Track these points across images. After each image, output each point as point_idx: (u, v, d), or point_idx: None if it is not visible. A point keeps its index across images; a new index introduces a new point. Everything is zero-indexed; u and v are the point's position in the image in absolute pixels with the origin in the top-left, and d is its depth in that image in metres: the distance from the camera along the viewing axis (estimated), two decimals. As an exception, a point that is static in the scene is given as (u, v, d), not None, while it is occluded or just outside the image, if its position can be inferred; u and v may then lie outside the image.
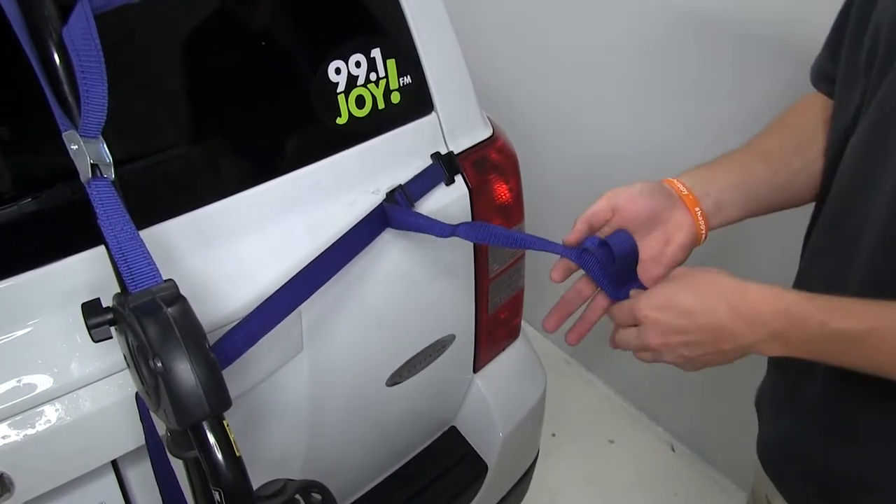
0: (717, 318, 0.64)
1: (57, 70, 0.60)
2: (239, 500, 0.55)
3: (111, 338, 0.62)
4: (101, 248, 0.74)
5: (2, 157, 0.72)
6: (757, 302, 0.63)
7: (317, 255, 0.86)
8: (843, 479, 0.73)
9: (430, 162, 1.00)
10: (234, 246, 0.84)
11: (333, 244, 0.85)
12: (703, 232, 0.79)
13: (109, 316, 0.61)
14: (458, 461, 1.15)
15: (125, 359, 0.64)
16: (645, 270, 0.78)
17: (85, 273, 0.74)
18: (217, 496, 0.55)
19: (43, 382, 0.71)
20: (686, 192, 0.79)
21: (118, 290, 0.63)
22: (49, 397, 0.72)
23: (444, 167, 0.98)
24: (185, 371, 0.54)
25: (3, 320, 0.71)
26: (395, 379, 1.03)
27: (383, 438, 1.09)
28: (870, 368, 0.61)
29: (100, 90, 0.59)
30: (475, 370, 1.18)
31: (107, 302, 0.63)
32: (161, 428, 0.70)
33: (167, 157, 0.81)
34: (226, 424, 0.56)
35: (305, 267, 0.81)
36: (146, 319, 0.56)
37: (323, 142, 0.91)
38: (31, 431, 0.71)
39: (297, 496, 0.61)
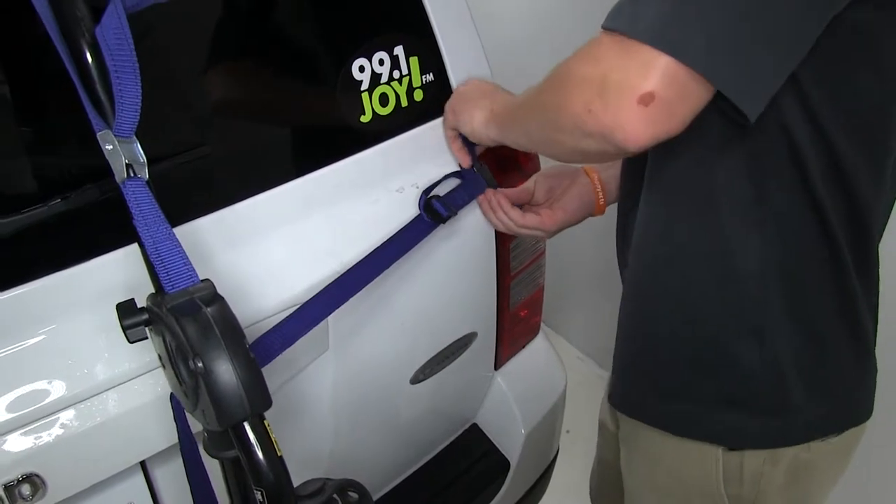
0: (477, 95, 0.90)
1: (90, 70, 0.60)
2: (281, 500, 0.55)
3: (146, 338, 0.62)
4: (129, 249, 0.75)
5: (29, 157, 0.72)
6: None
7: (341, 253, 0.86)
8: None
9: (452, 161, 0.99)
10: (259, 245, 0.84)
11: (371, 253, 0.85)
12: (601, 194, 0.97)
13: (145, 316, 0.61)
14: (480, 458, 1.15)
15: (160, 359, 0.64)
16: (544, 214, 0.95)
17: (113, 273, 0.74)
18: (259, 496, 0.54)
19: (73, 384, 0.71)
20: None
21: (152, 291, 0.63)
22: (79, 398, 0.72)
23: (486, 178, 0.98)
24: (226, 371, 0.53)
25: (31, 321, 0.71)
26: (419, 377, 1.03)
27: (406, 436, 1.09)
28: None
29: (134, 89, 0.59)
30: (496, 367, 1.18)
31: (140, 302, 0.63)
32: (195, 428, 0.70)
33: (192, 157, 0.80)
34: (266, 424, 0.56)
35: (343, 274, 0.81)
36: (185, 320, 0.55)
37: (347, 140, 0.91)
38: (62, 433, 0.71)
39: (335, 496, 0.60)
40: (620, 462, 0.98)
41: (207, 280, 0.60)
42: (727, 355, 0.77)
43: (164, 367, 0.63)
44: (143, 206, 0.60)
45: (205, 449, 0.63)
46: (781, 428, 0.80)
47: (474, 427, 1.19)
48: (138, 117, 0.60)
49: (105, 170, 0.64)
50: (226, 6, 0.82)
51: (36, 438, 0.70)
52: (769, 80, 0.59)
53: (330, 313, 0.79)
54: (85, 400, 0.72)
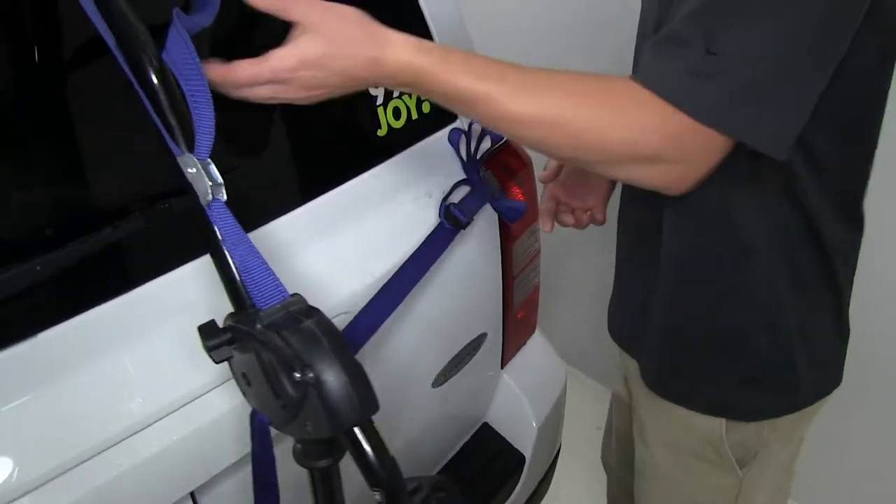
0: (354, 66, 0.65)
1: (161, 96, 0.61)
2: (399, 498, 0.57)
3: (232, 357, 0.62)
4: (167, 277, 0.75)
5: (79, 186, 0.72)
6: (394, 56, 0.66)
7: (371, 266, 0.89)
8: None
9: (459, 169, 1.03)
10: (290, 263, 0.85)
11: (405, 263, 0.89)
12: None
13: (228, 335, 0.61)
14: (496, 455, 1.19)
15: (243, 378, 0.64)
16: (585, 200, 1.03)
17: (159, 300, 0.75)
18: (378, 496, 0.56)
19: (123, 418, 0.70)
20: None
21: (232, 311, 0.63)
22: (130, 432, 0.71)
23: (492, 185, 1.01)
24: (338, 378, 0.55)
25: (80, 356, 0.70)
26: (440, 380, 1.06)
27: (429, 438, 1.11)
28: (487, 123, 0.70)
29: (208, 111, 0.60)
30: (502, 366, 1.22)
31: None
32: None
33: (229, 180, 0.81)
34: (376, 426, 0.58)
35: (385, 286, 0.85)
36: (287, 332, 0.57)
37: (367, 154, 0.93)
38: (115, 468, 0.70)
39: (431, 493, 0.63)
40: (633, 427, 1.05)
41: (297, 294, 0.61)
42: (743, 341, 0.85)
43: (247, 385, 0.64)
44: (227, 226, 0.61)
45: (295, 460, 0.64)
46: (786, 400, 0.89)
47: (486, 426, 1.23)
48: (213, 138, 0.61)
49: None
50: (247, 29, 0.83)
51: (93, 475, 0.69)
52: (801, 126, 0.67)
53: (380, 325, 0.81)
54: (136, 433, 0.72)
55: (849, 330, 0.92)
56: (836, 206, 0.80)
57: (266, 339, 0.58)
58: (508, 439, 1.21)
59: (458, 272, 1.04)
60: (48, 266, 0.67)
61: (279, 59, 0.63)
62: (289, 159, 0.88)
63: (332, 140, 0.91)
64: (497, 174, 1.07)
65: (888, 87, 0.76)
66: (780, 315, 0.83)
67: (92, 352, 0.71)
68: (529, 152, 1.14)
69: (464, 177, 1.02)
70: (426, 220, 0.97)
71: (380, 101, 0.93)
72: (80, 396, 0.70)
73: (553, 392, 1.25)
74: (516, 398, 1.20)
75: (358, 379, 0.56)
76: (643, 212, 0.90)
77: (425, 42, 0.68)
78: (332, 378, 0.55)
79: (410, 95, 0.97)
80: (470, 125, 1.02)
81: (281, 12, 0.63)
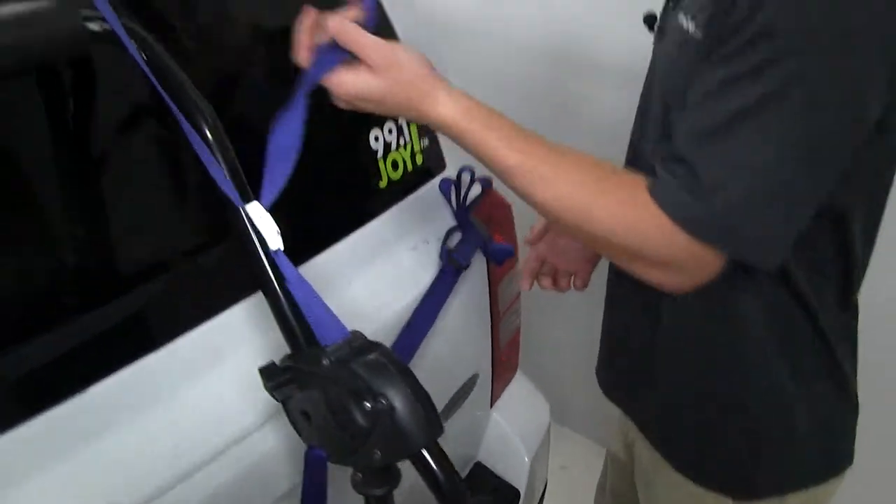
0: (402, 111, 0.76)
1: (221, 154, 0.65)
2: (468, 513, 0.61)
3: (293, 396, 0.65)
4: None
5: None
6: (441, 115, 0.73)
7: (382, 316, 0.93)
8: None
9: (450, 216, 1.09)
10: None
11: (418, 308, 0.95)
12: None
13: (289, 375, 0.65)
14: (491, 492, 1.22)
15: (297, 416, 0.67)
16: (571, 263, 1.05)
17: (177, 362, 0.77)
18: (449, 514, 0.60)
19: (163, 469, 0.72)
20: None
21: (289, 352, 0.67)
22: (175, 482, 0.72)
23: (482, 231, 1.08)
24: (409, 403, 0.59)
25: (125, 408, 0.72)
26: (442, 420, 1.09)
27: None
28: (521, 194, 0.75)
29: (289, 168, 0.66)
30: (491, 405, 1.27)
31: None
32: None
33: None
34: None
35: (403, 332, 0.90)
36: (356, 365, 0.61)
37: (370, 205, 0.99)
38: None
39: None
40: (638, 493, 1.06)
41: (357, 331, 0.65)
42: (746, 419, 0.87)
43: (305, 421, 0.66)
44: (289, 269, 0.65)
45: (355, 489, 0.67)
46: (792, 477, 0.89)
47: (478, 464, 1.26)
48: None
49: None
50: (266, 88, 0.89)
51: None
52: (792, 239, 0.71)
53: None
54: (181, 482, 0.73)
55: (857, 405, 0.92)
56: (832, 294, 0.83)
57: (334, 373, 0.62)
58: (502, 476, 1.24)
59: (455, 315, 1.09)
60: (92, 325, 0.69)
61: (344, 86, 0.73)
62: (303, 211, 0.92)
63: (339, 194, 0.96)
64: (480, 219, 1.15)
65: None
66: (779, 392, 0.85)
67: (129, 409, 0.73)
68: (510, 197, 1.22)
69: (454, 223, 1.09)
70: (427, 265, 1.02)
71: (380, 154, 0.99)
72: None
73: (540, 426, 1.31)
74: (507, 435, 1.25)
75: (426, 402, 0.61)
76: (637, 293, 0.90)
77: (471, 102, 0.74)
78: (403, 404, 0.59)
79: (405, 148, 1.03)
80: (459, 176, 1.09)
81: (351, 46, 0.72)
